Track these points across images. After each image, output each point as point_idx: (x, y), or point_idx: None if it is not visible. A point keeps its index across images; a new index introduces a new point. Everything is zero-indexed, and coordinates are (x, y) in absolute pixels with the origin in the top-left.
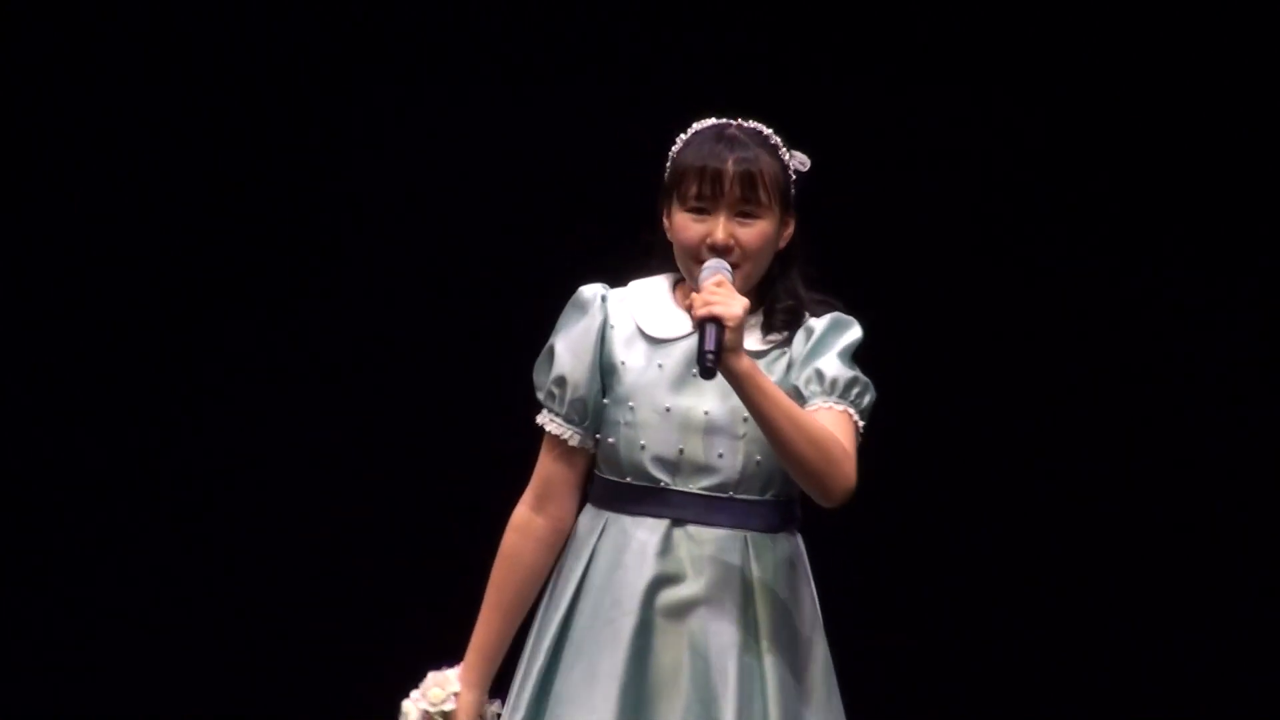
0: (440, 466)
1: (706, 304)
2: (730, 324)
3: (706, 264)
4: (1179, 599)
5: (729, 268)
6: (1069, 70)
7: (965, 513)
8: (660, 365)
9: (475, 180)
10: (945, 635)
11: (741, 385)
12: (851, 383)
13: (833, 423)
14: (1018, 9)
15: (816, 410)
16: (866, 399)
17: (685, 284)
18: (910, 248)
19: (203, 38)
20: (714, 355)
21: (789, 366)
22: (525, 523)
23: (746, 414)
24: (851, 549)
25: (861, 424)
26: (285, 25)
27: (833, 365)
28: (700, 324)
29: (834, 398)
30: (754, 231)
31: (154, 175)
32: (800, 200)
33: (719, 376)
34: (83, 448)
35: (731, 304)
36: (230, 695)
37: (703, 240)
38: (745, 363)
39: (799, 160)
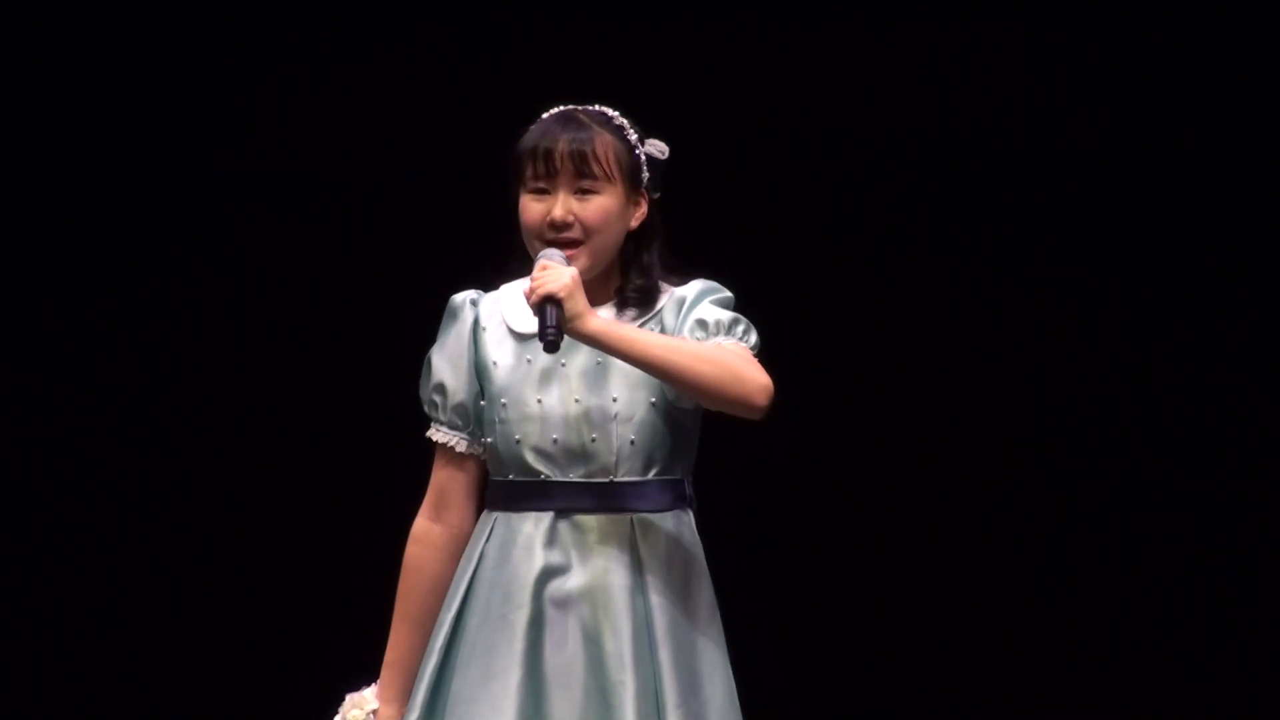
0: (363, 480)
1: (534, 290)
2: (562, 294)
3: (540, 255)
4: (1166, 596)
5: (561, 255)
6: (1063, 54)
7: (949, 508)
8: (529, 360)
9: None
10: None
11: (604, 341)
12: (734, 322)
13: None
14: None
15: None
16: (753, 336)
17: None
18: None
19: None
20: (554, 330)
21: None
22: (424, 533)
23: (616, 395)
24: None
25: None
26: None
27: (710, 311)
28: (537, 311)
29: (720, 337)
30: (593, 207)
31: (80, 172)
32: (667, 185)
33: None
34: (69, 451)
35: (559, 276)
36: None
37: (543, 219)
38: (596, 322)
39: (657, 148)
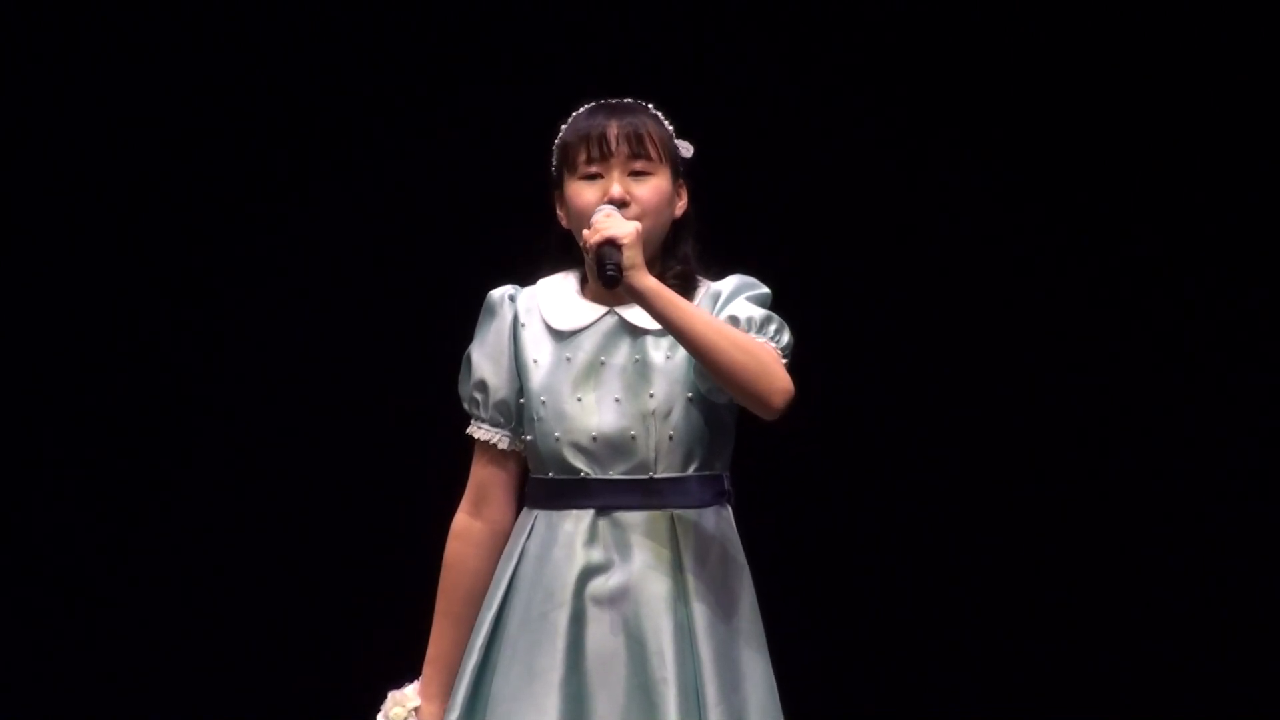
0: (405, 478)
1: (597, 231)
2: (625, 241)
3: (598, 210)
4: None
5: (618, 212)
6: (1070, 57)
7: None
8: (568, 359)
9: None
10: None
11: (651, 301)
12: (766, 320)
13: None
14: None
15: None
16: (785, 336)
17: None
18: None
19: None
20: (615, 266)
21: None
22: (464, 529)
23: (654, 391)
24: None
25: (784, 361)
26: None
27: (744, 308)
28: (597, 252)
29: (751, 333)
30: (649, 187)
31: (119, 184)
32: (693, 186)
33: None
34: (67, 455)
35: (623, 224)
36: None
37: (599, 201)
38: (650, 280)
39: (684, 147)
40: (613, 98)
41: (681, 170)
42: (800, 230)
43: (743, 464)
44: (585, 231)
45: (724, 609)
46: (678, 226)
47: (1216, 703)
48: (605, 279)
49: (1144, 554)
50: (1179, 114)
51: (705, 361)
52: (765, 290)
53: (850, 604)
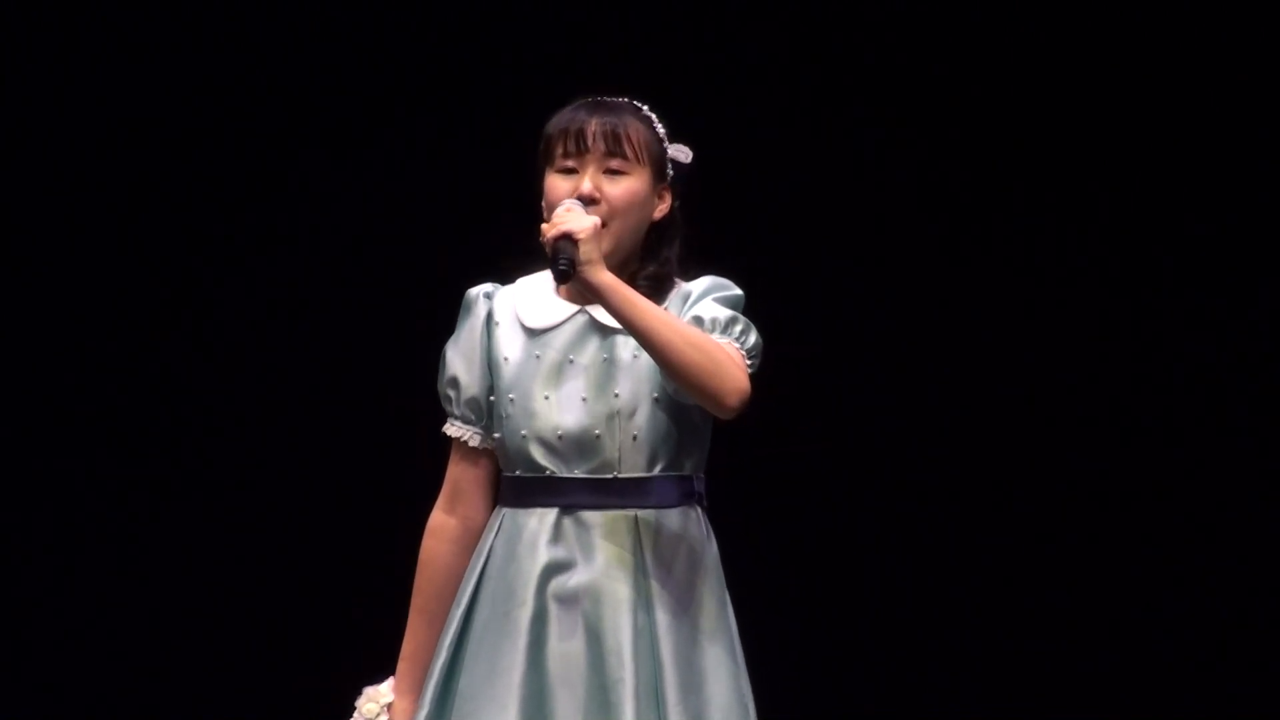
0: (405, 477)
1: (554, 225)
2: (580, 236)
3: (562, 204)
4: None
5: (582, 206)
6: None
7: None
8: (538, 356)
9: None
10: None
11: (607, 296)
12: (731, 321)
13: None
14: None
15: None
16: (751, 338)
17: None
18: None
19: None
20: (567, 260)
21: None
22: (438, 526)
23: (619, 391)
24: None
25: (749, 362)
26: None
27: (710, 309)
28: (553, 246)
29: (716, 334)
30: (621, 187)
31: (120, 184)
32: (685, 191)
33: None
34: (66, 454)
35: (581, 219)
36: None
37: (568, 195)
38: (607, 275)
39: (681, 151)
40: (611, 97)
41: (669, 174)
42: (800, 230)
43: (743, 465)
44: (544, 225)
45: (687, 610)
46: (659, 229)
47: (1216, 703)
48: (556, 273)
49: (1144, 554)
50: (1180, 115)
51: (658, 358)
52: (737, 292)
53: (850, 604)
